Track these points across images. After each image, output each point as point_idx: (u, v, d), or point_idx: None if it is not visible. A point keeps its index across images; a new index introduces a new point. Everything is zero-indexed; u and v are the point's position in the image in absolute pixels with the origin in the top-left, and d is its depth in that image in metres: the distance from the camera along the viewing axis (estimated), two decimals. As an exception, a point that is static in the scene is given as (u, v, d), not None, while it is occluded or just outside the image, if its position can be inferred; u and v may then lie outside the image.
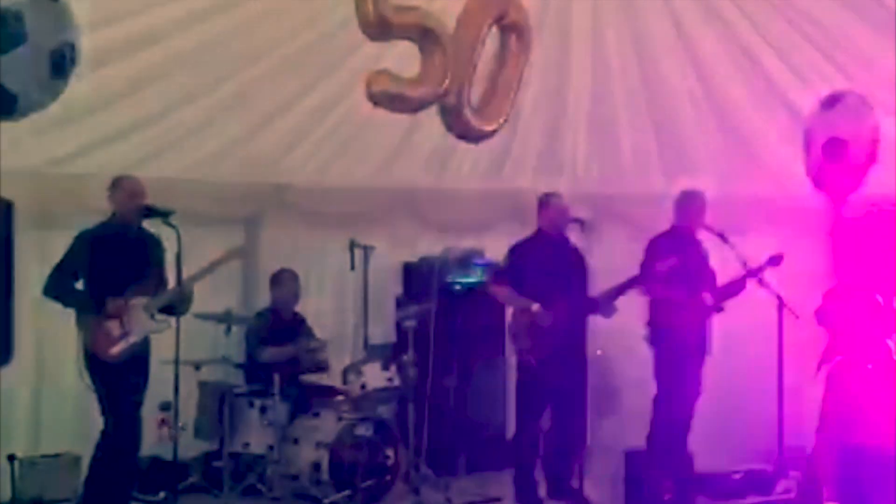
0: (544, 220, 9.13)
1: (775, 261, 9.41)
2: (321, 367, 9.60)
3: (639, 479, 8.93)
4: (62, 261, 7.83)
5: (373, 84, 7.07)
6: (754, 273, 9.35)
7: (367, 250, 9.52)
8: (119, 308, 7.70)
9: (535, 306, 8.83)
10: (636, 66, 10.02)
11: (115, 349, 7.70)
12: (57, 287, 7.81)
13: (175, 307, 7.81)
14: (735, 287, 9.34)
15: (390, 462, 8.96)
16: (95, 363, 7.74)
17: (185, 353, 7.92)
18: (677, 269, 8.83)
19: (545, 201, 9.16)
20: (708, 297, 9.26)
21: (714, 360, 9.42)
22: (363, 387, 9.03)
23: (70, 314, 7.85)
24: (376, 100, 7.22)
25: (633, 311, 9.30)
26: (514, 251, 9.18)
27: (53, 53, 5.84)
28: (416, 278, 10.43)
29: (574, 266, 9.03)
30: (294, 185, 10.08)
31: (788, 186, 10.69)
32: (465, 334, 9.51)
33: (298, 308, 9.82)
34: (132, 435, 7.83)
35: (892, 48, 9.12)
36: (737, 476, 9.62)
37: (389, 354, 9.43)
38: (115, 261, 7.81)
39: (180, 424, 8.13)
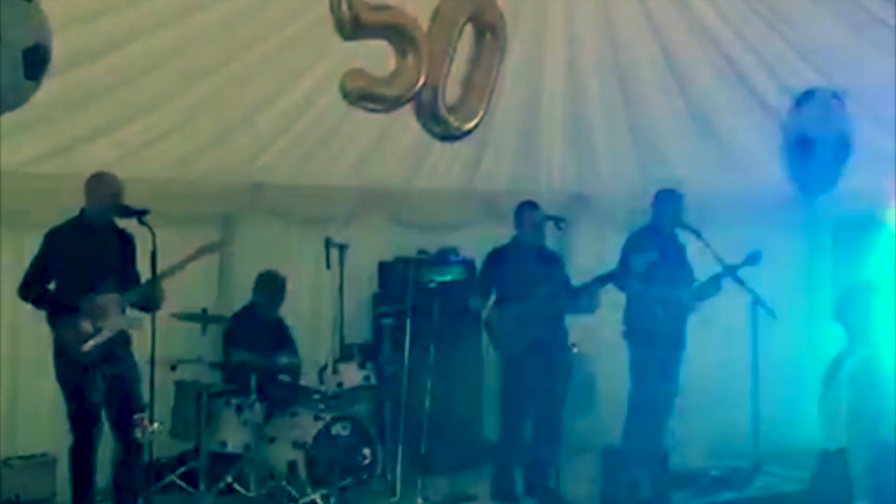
0: (521, 228, 9.17)
1: (753, 259, 9.46)
2: (295, 376, 9.57)
3: (615, 476, 8.92)
4: (33, 261, 7.83)
5: (347, 83, 7.08)
6: (731, 271, 9.40)
7: (342, 249, 9.46)
8: (90, 306, 7.69)
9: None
10: (612, 65, 10.08)
11: (87, 346, 7.69)
12: (30, 288, 7.80)
13: (147, 304, 7.77)
14: (712, 285, 9.39)
15: (367, 461, 8.96)
16: (65, 362, 7.75)
17: (160, 352, 7.88)
18: (655, 266, 8.89)
19: (521, 210, 9.20)
20: (685, 295, 9.32)
21: (690, 357, 9.50)
22: (339, 385, 9.03)
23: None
24: (351, 98, 7.24)
25: (609, 307, 9.36)
26: (491, 258, 9.25)
27: (26, 53, 5.83)
28: (392, 277, 10.43)
29: (551, 268, 9.09)
30: (269, 185, 10.03)
31: (765, 183, 10.76)
32: (442, 332, 9.49)
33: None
34: (95, 435, 7.82)
35: (868, 46, 9.20)
36: (713, 473, 9.67)
37: (366, 353, 9.43)
38: (86, 257, 7.79)
39: (156, 424, 8.09)
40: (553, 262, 9.15)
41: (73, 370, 7.75)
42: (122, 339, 7.91)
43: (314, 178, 10.18)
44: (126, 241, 8.02)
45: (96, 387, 7.74)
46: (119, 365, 7.87)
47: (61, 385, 7.82)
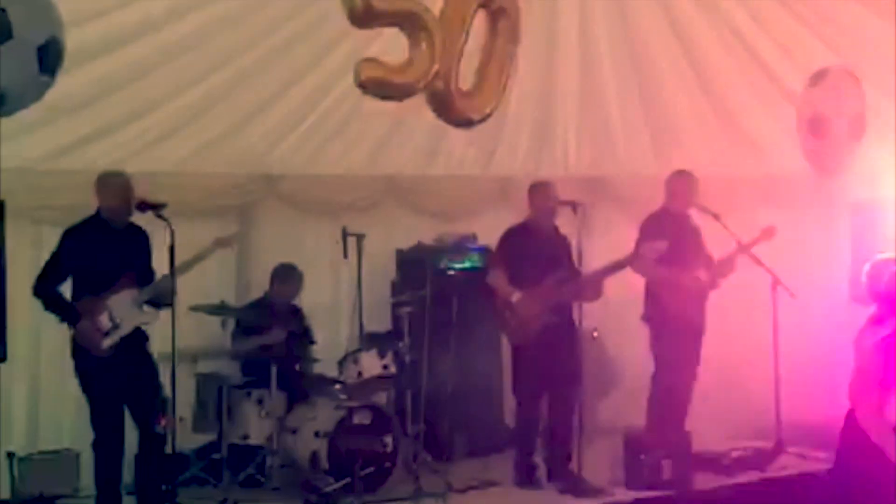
0: (534, 208, 9.17)
1: (768, 234, 9.47)
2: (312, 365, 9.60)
3: (637, 458, 8.92)
4: (49, 260, 7.87)
5: (361, 72, 7.06)
6: (747, 247, 9.40)
7: (359, 238, 9.45)
8: (98, 307, 7.73)
9: (516, 297, 8.94)
10: (625, 47, 10.05)
11: (105, 342, 7.73)
12: (44, 287, 7.84)
13: (161, 299, 7.83)
14: (729, 262, 9.40)
15: (388, 449, 8.93)
16: (84, 359, 7.79)
17: (181, 345, 7.93)
18: (671, 248, 8.88)
19: (535, 190, 9.19)
20: (703, 274, 9.31)
21: (711, 338, 9.49)
22: (360, 375, 9.01)
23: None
24: (365, 87, 7.22)
25: (630, 290, 9.38)
26: (505, 238, 9.24)
27: (40, 49, 5.81)
28: (411, 265, 10.40)
29: (561, 252, 9.08)
30: (285, 175, 10.05)
31: (780, 164, 10.73)
32: (461, 319, 9.50)
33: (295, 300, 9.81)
34: (116, 430, 7.84)
35: (880, 21, 9.13)
36: (735, 454, 9.64)
37: (385, 342, 9.41)
38: (103, 255, 7.82)
39: (178, 417, 8.11)
40: (564, 246, 9.11)
41: (91, 367, 7.78)
42: (140, 335, 7.93)
43: (330, 167, 10.18)
44: (142, 237, 8.04)
45: (115, 383, 7.75)
46: (137, 360, 7.89)
47: (80, 381, 7.86)
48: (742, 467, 9.48)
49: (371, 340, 9.51)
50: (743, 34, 9.76)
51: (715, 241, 9.55)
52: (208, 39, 8.26)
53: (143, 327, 7.94)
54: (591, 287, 8.97)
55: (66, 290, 7.90)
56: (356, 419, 8.79)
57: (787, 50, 9.93)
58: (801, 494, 8.80)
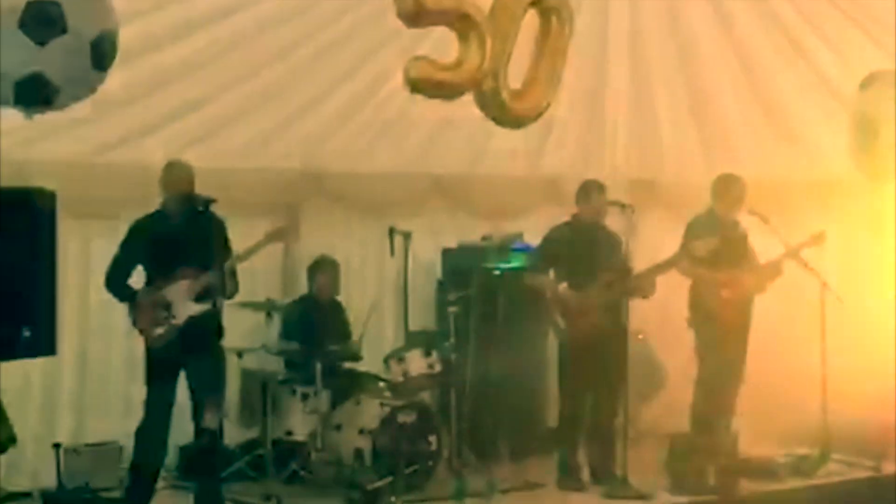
0: (582, 207, 9.15)
1: (818, 239, 9.36)
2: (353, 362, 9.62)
3: (682, 463, 8.87)
4: (118, 253, 7.97)
5: (411, 71, 7.02)
6: (795, 251, 9.30)
7: (406, 237, 9.41)
8: (154, 298, 7.80)
9: (563, 286, 8.88)
10: (675, 48, 9.95)
11: (157, 332, 7.80)
12: (114, 280, 7.95)
13: (220, 290, 7.86)
14: (776, 266, 9.31)
15: (432, 448, 8.95)
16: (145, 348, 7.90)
17: (227, 341, 7.96)
18: (717, 251, 8.82)
19: (585, 190, 9.16)
20: (749, 279, 9.24)
21: (757, 342, 9.39)
22: (405, 374, 9.02)
23: (114, 304, 7.91)
24: (414, 86, 7.18)
25: (675, 293, 9.31)
26: (551, 236, 9.22)
27: (94, 43, 5.81)
28: (457, 264, 10.41)
29: (611, 250, 9.03)
30: (334, 172, 10.06)
31: (831, 168, 10.59)
32: (506, 319, 9.49)
33: (340, 295, 9.83)
34: (162, 420, 7.91)
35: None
36: (781, 460, 9.57)
37: (430, 341, 9.40)
38: (166, 247, 7.91)
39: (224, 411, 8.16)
40: (614, 244, 9.06)
41: (148, 355, 7.89)
42: (206, 327, 7.94)
43: (378, 166, 10.19)
44: (207, 226, 7.98)
45: (172, 372, 7.83)
46: (198, 352, 7.89)
47: (144, 367, 7.95)
48: (788, 473, 9.39)
49: (416, 339, 9.49)
50: (795, 35, 9.63)
51: (763, 245, 9.45)
52: (260, 36, 8.25)
53: (217, 320, 7.98)
54: (644, 284, 8.91)
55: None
56: (401, 418, 8.79)
57: (839, 51, 9.81)
58: (848, 502, 8.72)
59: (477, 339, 9.35)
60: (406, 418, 8.81)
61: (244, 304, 8.76)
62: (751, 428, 9.56)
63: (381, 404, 8.91)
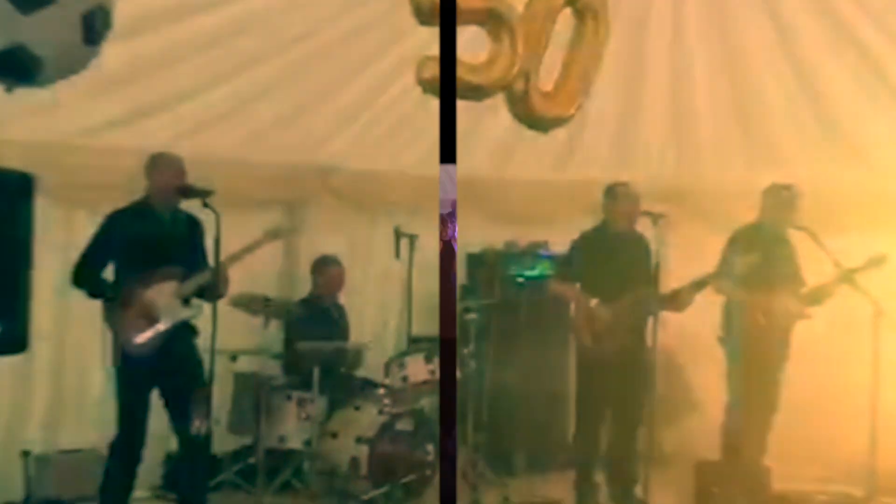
0: (611, 212, 8.71)
1: (876, 262, 8.78)
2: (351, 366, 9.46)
3: (709, 492, 8.63)
4: (90, 245, 7.46)
5: (424, 70, 6.71)
6: (850, 275, 8.71)
7: (412, 239, 9.28)
8: (146, 295, 7.35)
9: (594, 301, 8.50)
10: (718, 44, 9.50)
11: (141, 338, 7.33)
12: (84, 275, 7.43)
13: (209, 292, 7.40)
14: (826, 289, 8.80)
15: (430, 457, 8.77)
16: (121, 353, 7.39)
17: (220, 342, 7.52)
18: (759, 268, 8.39)
19: (612, 191, 8.73)
20: (792, 305, 8.77)
21: (800, 368, 8.97)
22: (405, 380, 8.83)
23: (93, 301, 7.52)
24: (427, 86, 6.88)
25: (707, 311, 8.85)
26: (578, 243, 8.81)
27: (85, 17, 5.45)
28: (479, 270, 10.30)
29: (641, 261, 8.60)
30: (341, 169, 9.87)
31: (892, 179, 10.01)
32: (528, 328, 9.48)
33: (342, 297, 9.67)
34: (139, 430, 7.43)
35: None
36: (822, 497, 9.18)
37: (433, 347, 9.10)
38: (149, 244, 7.44)
39: (213, 418, 7.75)
40: (644, 252, 8.62)
41: (126, 362, 7.38)
42: (185, 331, 7.53)
43: (388, 163, 10.02)
44: (193, 226, 7.63)
45: (148, 378, 7.39)
46: (178, 358, 7.47)
47: (116, 376, 7.46)
48: (828, 513, 9.04)
49: (419, 345, 9.31)
50: (851, 27, 9.03)
51: (811, 265, 8.96)
52: (269, 21, 7.98)
53: (191, 321, 7.56)
54: (677, 303, 8.48)
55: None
56: (399, 425, 8.66)
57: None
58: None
59: (497, 348, 9.38)
60: (405, 426, 8.68)
61: (240, 303, 8.42)
62: (788, 461, 9.08)
63: (380, 411, 8.72)
